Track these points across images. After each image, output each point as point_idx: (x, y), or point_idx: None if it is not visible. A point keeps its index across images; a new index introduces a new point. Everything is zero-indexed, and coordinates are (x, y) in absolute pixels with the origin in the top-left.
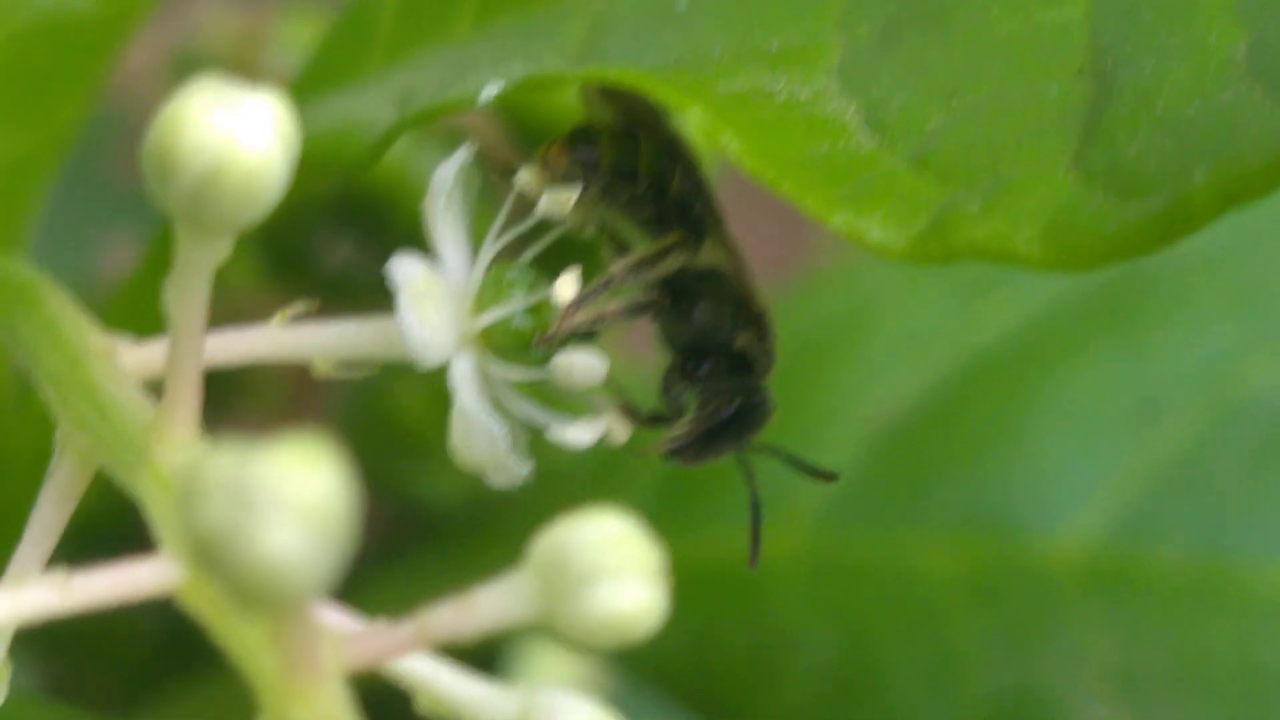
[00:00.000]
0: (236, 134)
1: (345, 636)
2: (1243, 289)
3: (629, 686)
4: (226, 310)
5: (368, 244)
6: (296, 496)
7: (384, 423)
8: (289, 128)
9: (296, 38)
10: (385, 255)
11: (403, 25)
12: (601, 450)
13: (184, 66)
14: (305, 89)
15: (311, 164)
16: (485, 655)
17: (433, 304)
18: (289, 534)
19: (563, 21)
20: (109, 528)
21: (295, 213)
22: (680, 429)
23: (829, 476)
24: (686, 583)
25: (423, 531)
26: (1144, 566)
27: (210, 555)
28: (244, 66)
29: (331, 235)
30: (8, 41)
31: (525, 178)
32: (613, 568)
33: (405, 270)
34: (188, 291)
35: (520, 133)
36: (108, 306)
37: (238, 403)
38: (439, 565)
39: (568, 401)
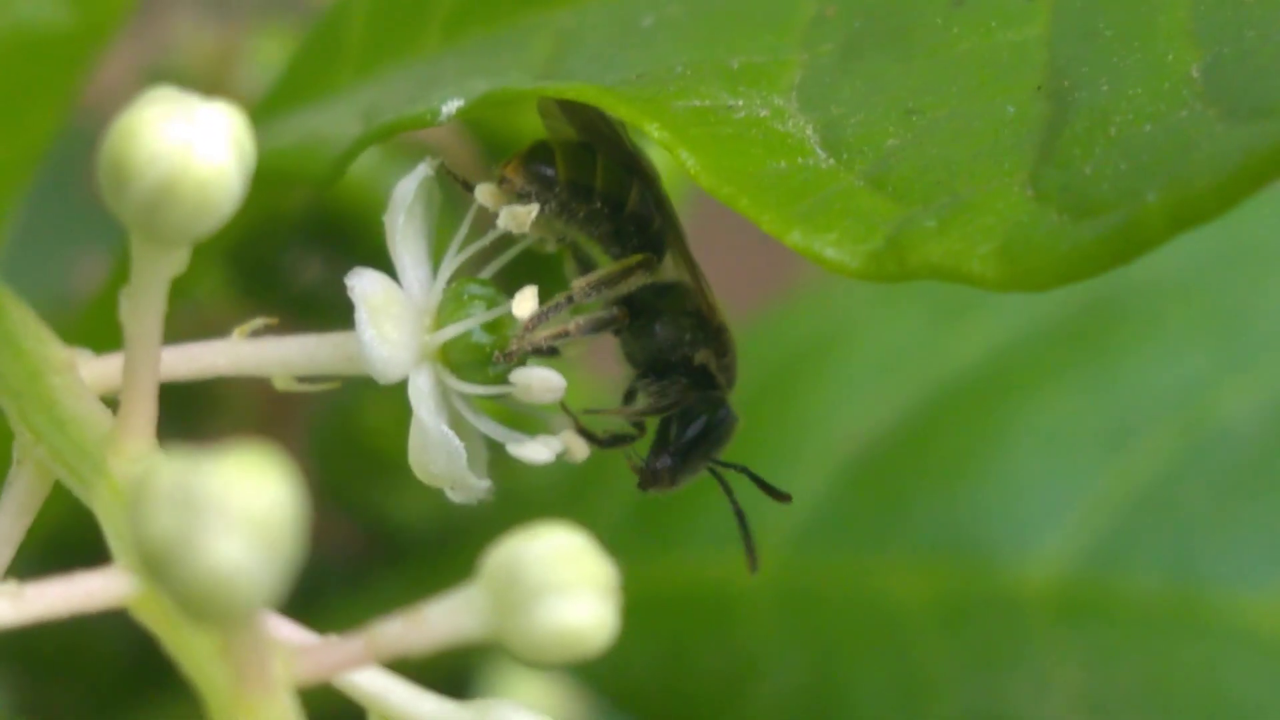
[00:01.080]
0: (192, 144)
1: (295, 649)
2: (1215, 314)
3: (597, 709)
4: (196, 325)
5: (337, 260)
6: (243, 507)
7: (354, 443)
8: (245, 139)
9: (270, 53)
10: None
11: (371, 40)
12: (573, 473)
13: (158, 82)
14: (276, 103)
15: (278, 178)
16: (456, 679)
17: (391, 319)
18: (236, 545)
19: (529, 38)
20: (68, 538)
21: (265, 229)
22: (651, 457)
23: (784, 497)
24: (656, 606)
25: (393, 550)
26: (1113, 593)
27: (158, 566)
28: (218, 82)
29: (301, 251)
30: None
31: (483, 194)
32: (564, 582)
33: (364, 285)
34: (144, 303)
35: (490, 149)
36: (78, 319)
37: (208, 423)
38: (409, 584)
39: (530, 419)
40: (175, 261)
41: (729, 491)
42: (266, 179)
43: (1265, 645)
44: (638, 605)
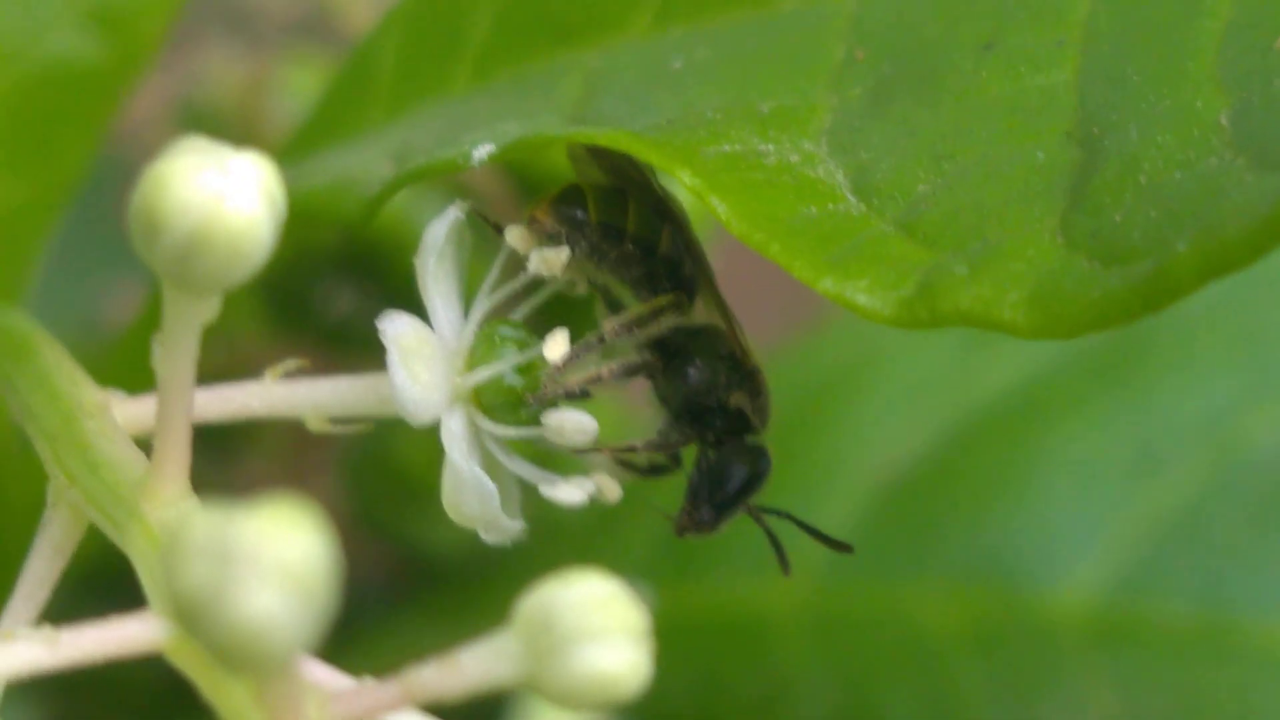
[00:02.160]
0: (222, 195)
1: (330, 695)
2: (1244, 340)
3: None
4: (227, 357)
5: (369, 293)
6: (278, 559)
7: (386, 470)
8: (276, 189)
9: (301, 83)
10: (386, 304)
11: (402, 78)
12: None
13: (189, 113)
14: (308, 140)
15: (309, 219)
16: (487, 705)
17: (423, 362)
18: (270, 596)
19: (558, 79)
20: (107, 571)
21: (297, 262)
22: (691, 507)
23: (844, 547)
24: (689, 632)
25: (426, 577)
26: (1145, 618)
27: (193, 617)
28: (249, 112)
29: (333, 284)
30: (12, 90)
31: (514, 236)
32: (597, 629)
33: (395, 328)
34: (176, 349)
35: (521, 184)
36: (110, 353)
37: (241, 448)
38: (442, 611)
39: (564, 458)
40: (207, 309)
41: (761, 522)
42: (297, 219)
43: None
44: (671, 631)
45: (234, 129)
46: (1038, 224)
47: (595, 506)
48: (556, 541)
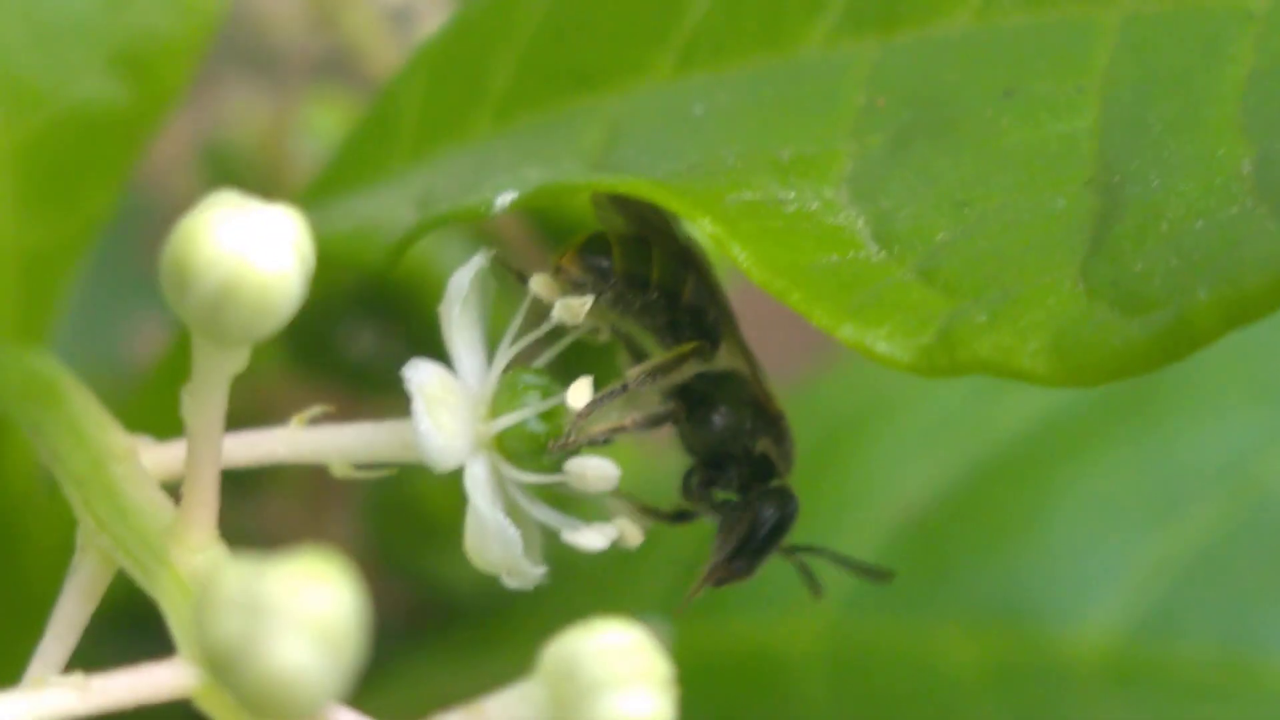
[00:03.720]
0: (251, 250)
1: None
2: (1263, 382)
3: None
4: (252, 399)
5: (391, 335)
6: (308, 611)
7: (406, 509)
8: (305, 242)
9: (324, 125)
10: (409, 345)
11: (425, 123)
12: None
13: (213, 155)
14: (330, 185)
15: (333, 264)
16: None
17: (447, 409)
18: (300, 648)
19: (580, 124)
20: (132, 612)
21: (320, 305)
22: (723, 556)
23: (881, 575)
24: (709, 670)
25: (446, 616)
26: (1165, 660)
27: (223, 667)
28: (272, 154)
29: (356, 326)
30: (39, 134)
31: (538, 284)
32: (620, 678)
33: (420, 376)
34: (205, 400)
35: (544, 230)
36: (136, 395)
37: (262, 487)
38: (462, 650)
39: (586, 503)
40: (237, 360)
41: (794, 560)
42: (321, 265)
43: None
44: (690, 670)
45: (257, 170)
46: (1058, 272)
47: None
48: (574, 581)
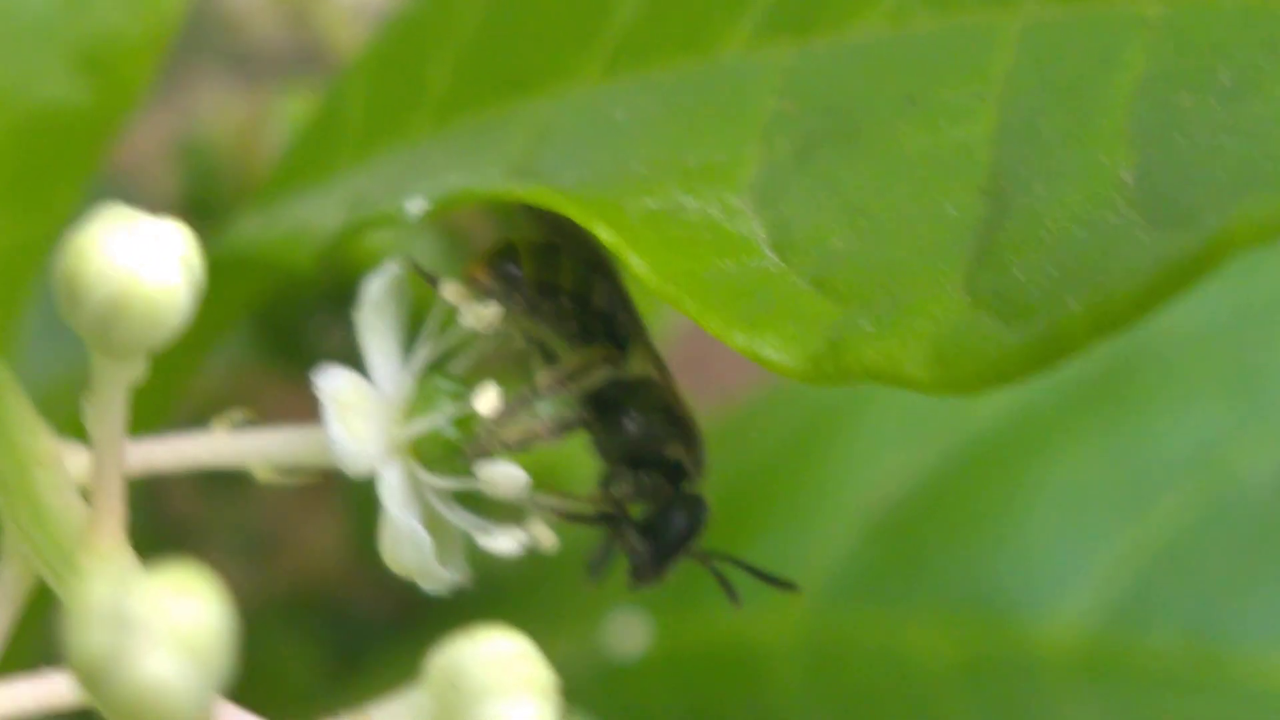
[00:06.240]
0: (140, 265)
1: None
2: (1234, 373)
3: None
4: (229, 390)
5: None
6: (175, 624)
7: None
8: (193, 256)
9: (299, 115)
10: None
11: (369, 125)
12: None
13: (187, 149)
14: (279, 186)
15: (262, 268)
16: None
17: (361, 415)
18: (167, 661)
19: (511, 129)
20: None
21: (288, 296)
22: (634, 556)
23: (787, 585)
24: (684, 662)
25: (430, 611)
26: (1134, 651)
27: (93, 680)
28: (246, 148)
29: (324, 318)
30: (2, 135)
31: (450, 292)
32: (503, 686)
33: (332, 383)
34: (106, 409)
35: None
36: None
37: (247, 484)
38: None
39: (510, 507)
40: (133, 369)
41: (709, 566)
42: (257, 268)
43: None
44: (665, 662)
45: (231, 164)
46: (945, 280)
47: (590, 537)
48: (554, 575)
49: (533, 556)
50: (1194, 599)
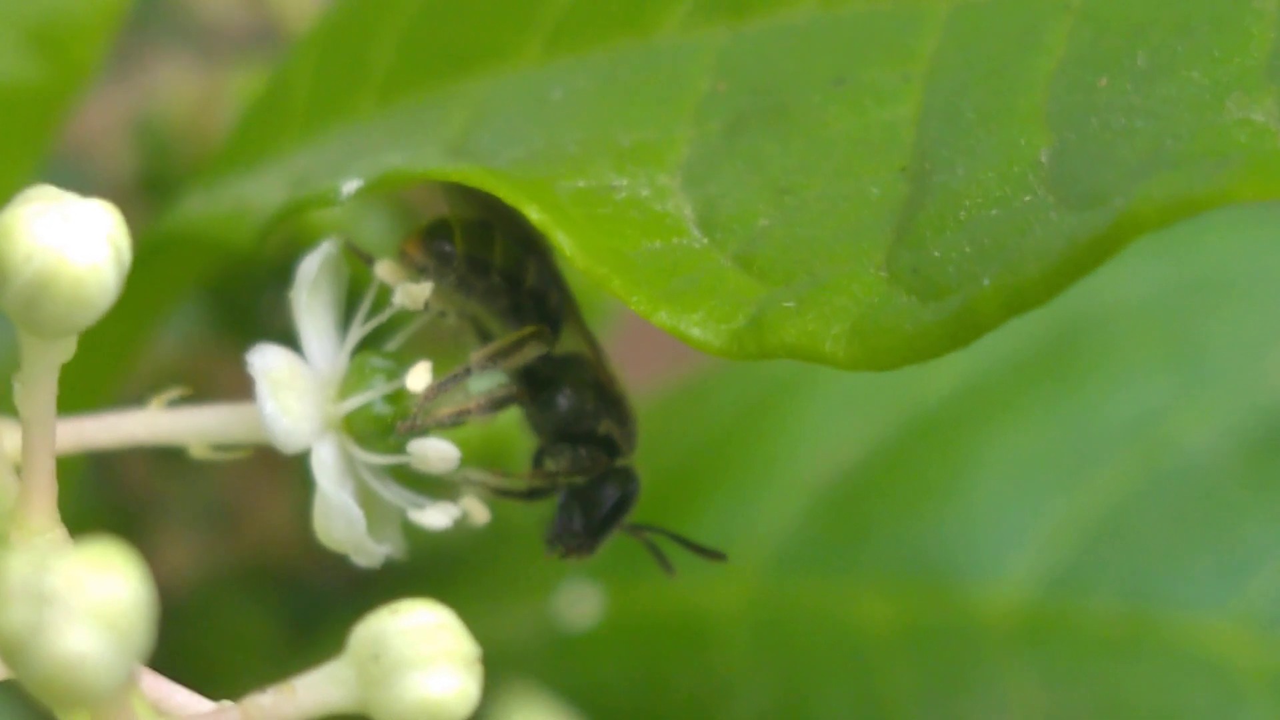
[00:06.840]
0: (65, 244)
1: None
2: (1174, 344)
3: None
4: (185, 365)
5: None
6: (93, 599)
7: None
8: (121, 236)
9: (246, 94)
10: None
11: (314, 103)
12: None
13: (144, 126)
14: (225, 164)
15: (206, 246)
16: None
17: (294, 393)
18: (82, 635)
19: (450, 109)
20: None
21: (241, 270)
22: (564, 529)
23: (716, 555)
24: (633, 630)
25: (388, 580)
26: (1072, 617)
27: (13, 655)
28: (203, 125)
29: (277, 292)
30: None
31: (384, 269)
32: (424, 657)
33: (265, 360)
34: (36, 388)
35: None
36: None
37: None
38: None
39: (446, 483)
40: (63, 349)
41: (642, 539)
42: (199, 245)
43: (1217, 667)
44: (616, 631)
45: (187, 141)
46: (865, 259)
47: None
48: (512, 543)
49: (487, 529)
50: (1133, 566)
